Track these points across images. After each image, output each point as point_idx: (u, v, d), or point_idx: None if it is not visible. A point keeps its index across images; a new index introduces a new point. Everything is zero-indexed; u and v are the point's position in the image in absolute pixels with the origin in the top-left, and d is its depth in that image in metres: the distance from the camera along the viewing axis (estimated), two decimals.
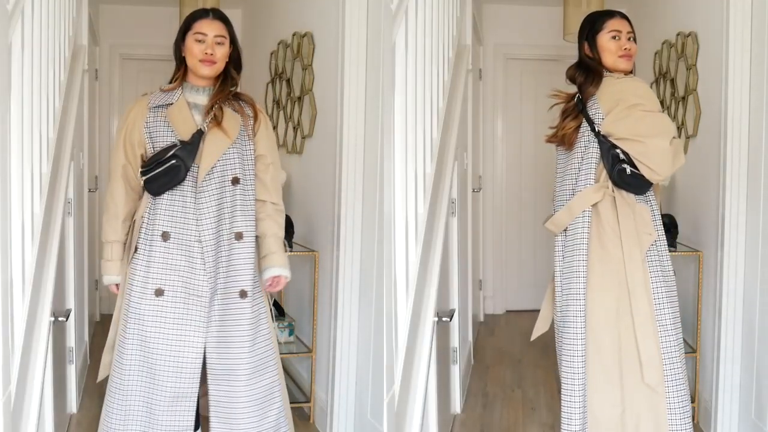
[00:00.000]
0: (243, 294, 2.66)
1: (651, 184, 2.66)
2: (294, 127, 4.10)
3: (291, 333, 3.88)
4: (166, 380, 2.64)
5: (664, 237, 2.72)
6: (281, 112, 4.37)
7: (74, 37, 3.95)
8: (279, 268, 2.76)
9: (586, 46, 2.79)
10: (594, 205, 2.66)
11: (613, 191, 2.64)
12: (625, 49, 2.74)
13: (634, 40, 2.78)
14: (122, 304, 2.70)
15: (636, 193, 2.66)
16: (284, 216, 2.84)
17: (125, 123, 2.71)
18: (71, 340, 3.67)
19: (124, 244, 2.73)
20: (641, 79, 2.77)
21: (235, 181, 2.67)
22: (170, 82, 2.74)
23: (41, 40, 3.00)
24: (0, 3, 2.37)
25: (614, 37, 2.75)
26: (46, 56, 3.10)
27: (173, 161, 2.59)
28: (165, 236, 2.62)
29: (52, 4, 3.24)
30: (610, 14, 2.81)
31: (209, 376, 2.66)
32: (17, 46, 2.65)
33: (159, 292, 2.62)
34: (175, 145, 2.62)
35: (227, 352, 2.66)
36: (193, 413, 2.71)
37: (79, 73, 3.95)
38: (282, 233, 2.81)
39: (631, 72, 2.79)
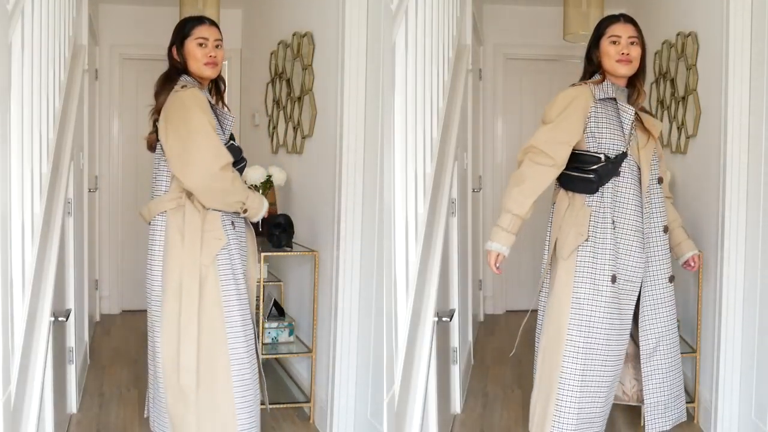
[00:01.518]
0: None
1: (586, 185, 2.76)
2: (294, 127, 4.10)
3: (291, 333, 3.87)
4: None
5: (609, 246, 2.75)
6: (281, 112, 4.37)
7: (74, 37, 3.95)
8: None
9: (592, 50, 2.85)
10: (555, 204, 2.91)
11: (567, 191, 2.84)
12: (623, 53, 2.75)
13: (641, 44, 2.79)
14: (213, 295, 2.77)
15: (581, 192, 2.79)
16: None
17: (204, 111, 2.73)
18: (71, 340, 3.67)
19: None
20: (575, 89, 2.80)
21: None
22: (163, 85, 2.84)
23: (41, 40, 3.00)
24: (0, 3, 2.37)
25: (613, 42, 2.77)
26: (46, 56, 3.10)
27: (246, 161, 2.96)
28: (234, 225, 2.84)
29: (52, 4, 3.24)
30: (614, 19, 2.83)
31: None
32: (17, 46, 2.65)
33: (244, 276, 2.85)
34: (237, 146, 2.88)
35: None
36: None
37: (79, 73, 3.95)
38: None
39: (636, 76, 2.81)
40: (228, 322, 2.74)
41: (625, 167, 2.78)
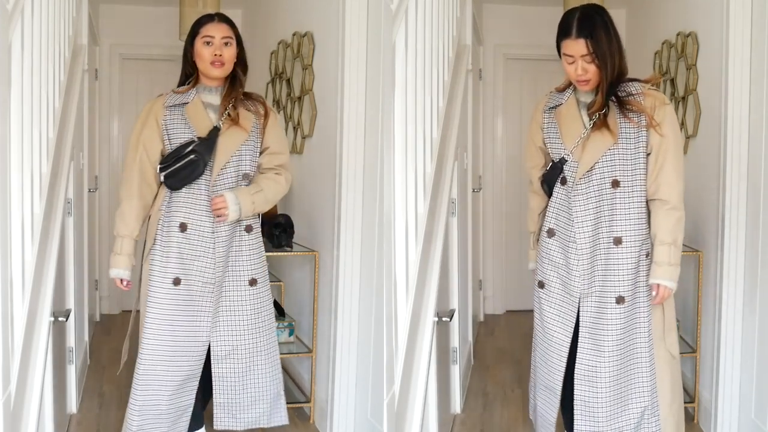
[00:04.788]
0: (253, 282, 2.86)
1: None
2: (294, 127, 4.10)
3: (291, 333, 3.87)
4: (180, 364, 2.78)
5: (542, 254, 2.75)
6: (281, 112, 4.37)
7: (74, 37, 3.95)
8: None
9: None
10: None
11: None
12: (579, 74, 2.57)
13: (599, 57, 2.52)
14: (143, 295, 2.82)
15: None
16: (282, 185, 2.92)
17: (141, 121, 2.81)
18: (71, 340, 3.67)
19: (135, 239, 2.83)
20: (535, 106, 2.83)
21: (245, 177, 2.84)
22: (179, 87, 2.86)
23: (41, 40, 3.00)
24: (0, 3, 2.37)
25: (569, 62, 2.59)
26: (46, 56, 3.10)
27: (192, 156, 2.73)
28: (183, 227, 2.76)
29: (52, 4, 3.24)
30: (566, 31, 2.58)
31: None
32: (17, 46, 2.65)
33: (176, 282, 2.75)
34: (192, 141, 2.76)
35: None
36: (195, 392, 2.85)
37: (79, 73, 3.95)
38: (271, 190, 2.89)
39: (596, 88, 2.61)
40: (147, 321, 2.77)
41: (568, 172, 2.65)
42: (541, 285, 2.72)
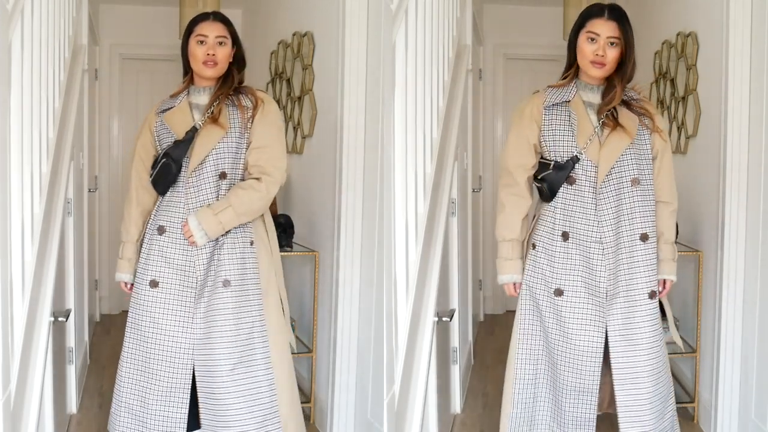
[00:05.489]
0: (226, 283, 2.70)
1: (541, 193, 2.72)
2: (294, 127, 4.10)
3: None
4: (160, 370, 2.72)
5: (556, 259, 2.66)
6: (281, 112, 4.37)
7: (74, 37, 3.95)
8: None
9: (573, 40, 2.65)
10: None
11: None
12: (597, 55, 2.54)
13: (623, 45, 2.56)
14: None
15: (542, 201, 2.74)
16: (261, 192, 2.71)
17: (140, 129, 2.90)
18: (71, 340, 3.67)
19: (137, 244, 2.84)
20: (526, 102, 2.70)
21: (222, 176, 2.72)
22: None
23: (41, 40, 3.00)
24: (0, 3, 2.37)
25: (591, 39, 2.56)
26: (46, 56, 3.10)
27: (164, 160, 2.72)
28: (161, 230, 2.73)
29: (52, 4, 3.24)
30: (597, 12, 2.59)
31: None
32: (17, 46, 2.65)
33: (153, 284, 2.72)
34: (169, 145, 2.74)
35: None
36: (184, 408, 2.74)
37: (79, 73, 3.95)
38: (244, 204, 2.69)
39: (608, 79, 2.61)
40: (127, 321, 2.77)
41: (580, 172, 2.62)
42: (559, 293, 2.64)
